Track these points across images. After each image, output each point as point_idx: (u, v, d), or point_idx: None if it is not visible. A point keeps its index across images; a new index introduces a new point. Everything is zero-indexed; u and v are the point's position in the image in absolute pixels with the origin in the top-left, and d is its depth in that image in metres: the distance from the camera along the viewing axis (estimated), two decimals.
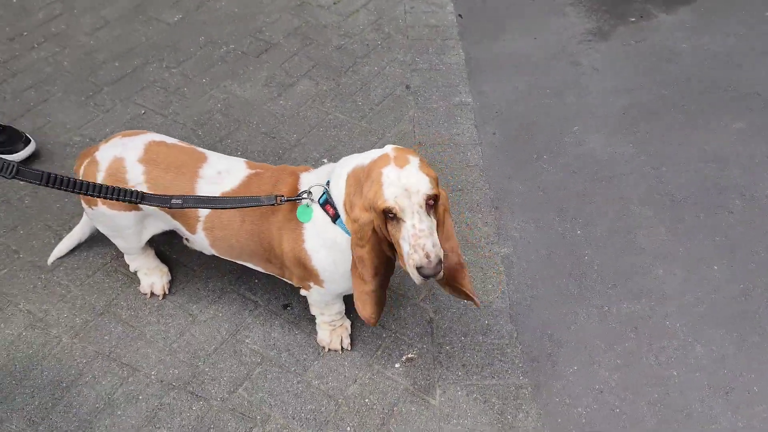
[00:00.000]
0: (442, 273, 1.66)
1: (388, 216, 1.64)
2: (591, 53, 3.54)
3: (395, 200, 1.61)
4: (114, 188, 1.73)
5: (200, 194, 1.94)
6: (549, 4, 3.90)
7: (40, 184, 1.61)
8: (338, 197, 1.79)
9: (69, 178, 1.65)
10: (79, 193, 1.68)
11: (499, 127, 3.11)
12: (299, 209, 1.85)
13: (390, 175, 1.63)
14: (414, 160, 1.66)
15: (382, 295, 1.85)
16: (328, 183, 1.84)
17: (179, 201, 1.80)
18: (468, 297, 1.88)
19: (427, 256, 1.60)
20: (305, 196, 1.83)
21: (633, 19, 3.75)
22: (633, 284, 2.46)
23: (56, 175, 1.63)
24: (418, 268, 1.61)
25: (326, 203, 1.82)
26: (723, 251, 2.57)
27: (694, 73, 3.39)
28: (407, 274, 1.69)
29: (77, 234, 2.42)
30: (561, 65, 3.47)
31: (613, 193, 2.79)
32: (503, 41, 3.63)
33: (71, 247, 2.43)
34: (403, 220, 1.62)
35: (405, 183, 1.62)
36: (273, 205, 1.82)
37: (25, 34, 3.50)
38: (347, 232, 1.79)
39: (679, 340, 2.29)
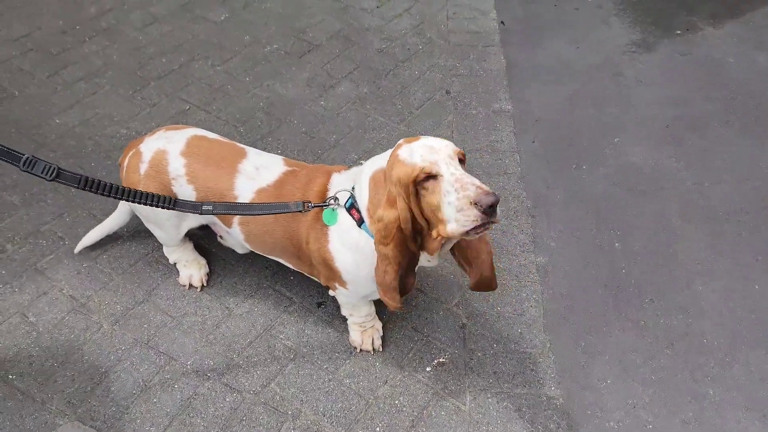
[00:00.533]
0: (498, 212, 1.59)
1: (421, 186, 1.62)
2: (635, 65, 3.50)
3: (423, 160, 1.62)
4: (147, 194, 1.81)
5: (238, 188, 1.99)
6: (593, 14, 3.87)
7: (78, 188, 1.67)
8: (362, 202, 1.82)
9: (106, 183, 1.72)
10: (114, 197, 1.75)
11: (539, 135, 3.09)
12: (325, 212, 1.88)
13: (408, 149, 1.67)
14: (425, 135, 1.73)
15: (407, 283, 1.82)
16: (353, 188, 1.87)
17: (209, 207, 1.87)
18: (485, 275, 1.85)
19: (479, 187, 1.56)
20: (332, 201, 1.86)
21: (679, 32, 3.70)
22: (671, 299, 2.42)
23: (93, 179, 1.69)
24: (476, 203, 1.53)
25: (352, 207, 1.84)
26: (764, 270, 2.52)
27: (740, 87, 3.32)
28: (458, 237, 1.63)
29: (108, 225, 2.44)
30: (604, 76, 3.43)
31: (654, 207, 2.75)
32: (545, 49, 3.61)
33: (100, 238, 2.44)
34: (440, 175, 1.60)
35: (429, 144, 1.66)
36: (300, 211, 1.86)
37: (78, 27, 3.61)
38: (371, 236, 1.80)
39: (716, 358, 2.25)
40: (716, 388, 2.17)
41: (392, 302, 1.79)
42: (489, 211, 1.54)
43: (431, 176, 1.61)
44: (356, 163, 2.87)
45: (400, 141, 1.76)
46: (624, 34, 3.70)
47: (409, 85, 3.32)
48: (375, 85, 3.32)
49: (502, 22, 3.77)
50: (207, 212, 1.88)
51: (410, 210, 1.68)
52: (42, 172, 1.62)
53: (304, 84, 3.31)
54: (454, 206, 1.58)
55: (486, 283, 1.88)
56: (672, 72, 3.44)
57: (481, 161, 2.90)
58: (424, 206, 1.66)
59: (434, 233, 1.68)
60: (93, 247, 2.47)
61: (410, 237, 1.72)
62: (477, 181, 1.59)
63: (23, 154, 1.61)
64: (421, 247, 1.78)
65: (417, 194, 1.66)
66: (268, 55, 3.48)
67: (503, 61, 3.48)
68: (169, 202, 1.84)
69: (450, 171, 1.61)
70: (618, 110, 3.23)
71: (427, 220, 1.69)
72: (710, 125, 3.13)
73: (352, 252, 1.88)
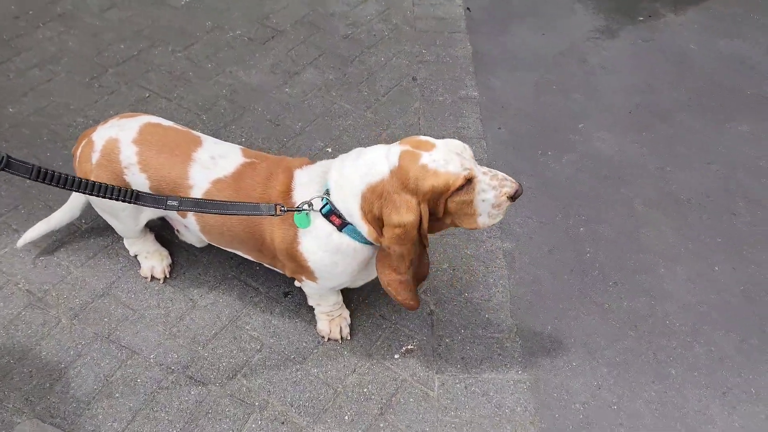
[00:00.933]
0: None
1: (456, 190, 1.69)
2: (599, 51, 3.53)
3: (462, 168, 1.67)
4: (108, 186, 1.66)
5: (192, 177, 1.92)
6: (558, 1, 3.88)
7: (29, 179, 1.52)
8: (349, 211, 1.78)
9: (60, 174, 1.56)
10: (71, 190, 1.61)
11: (505, 121, 3.10)
12: (298, 217, 1.83)
13: (436, 157, 1.68)
14: (428, 138, 1.76)
15: (413, 281, 1.87)
16: (327, 192, 1.82)
17: (175, 203, 1.73)
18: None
19: (512, 180, 1.74)
20: (305, 207, 1.81)
21: (641, 18, 3.74)
22: (635, 282, 2.45)
23: (47, 169, 1.54)
24: (513, 195, 1.73)
25: (330, 213, 1.81)
26: (726, 253, 2.57)
27: (703, 74, 3.38)
28: (482, 228, 1.79)
29: (56, 219, 2.32)
30: (569, 62, 3.45)
31: (618, 192, 2.79)
32: (511, 36, 3.61)
33: (46, 232, 2.32)
34: (476, 177, 1.70)
35: (455, 149, 1.71)
36: (273, 215, 1.78)
37: (31, 12, 3.48)
38: (356, 238, 1.81)
39: (678, 339, 2.29)
40: (678, 368, 2.21)
41: (408, 300, 1.84)
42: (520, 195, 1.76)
43: (468, 180, 1.69)
44: (323, 151, 2.85)
45: (402, 147, 1.72)
46: (588, 20, 3.73)
47: (375, 71, 3.29)
48: (341, 71, 3.28)
49: (468, 9, 3.76)
50: (172, 208, 1.74)
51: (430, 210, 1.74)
52: None
53: (269, 71, 3.25)
54: (491, 203, 1.72)
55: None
56: (636, 59, 3.48)
57: None
58: (452, 205, 1.72)
59: (456, 223, 1.79)
60: (51, 240, 2.40)
61: (426, 234, 1.76)
62: (505, 175, 1.75)
63: None
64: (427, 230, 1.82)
65: (449, 197, 1.71)
66: (231, 41, 3.41)
67: (469, 47, 3.47)
68: (131, 195, 1.69)
69: (481, 171, 1.73)
70: (583, 97, 3.25)
71: (445, 212, 1.75)
72: (674, 111, 3.18)
73: (331, 254, 1.85)
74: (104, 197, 1.67)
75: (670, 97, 3.25)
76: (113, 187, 1.67)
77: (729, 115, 3.14)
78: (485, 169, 1.74)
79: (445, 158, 1.67)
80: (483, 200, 1.72)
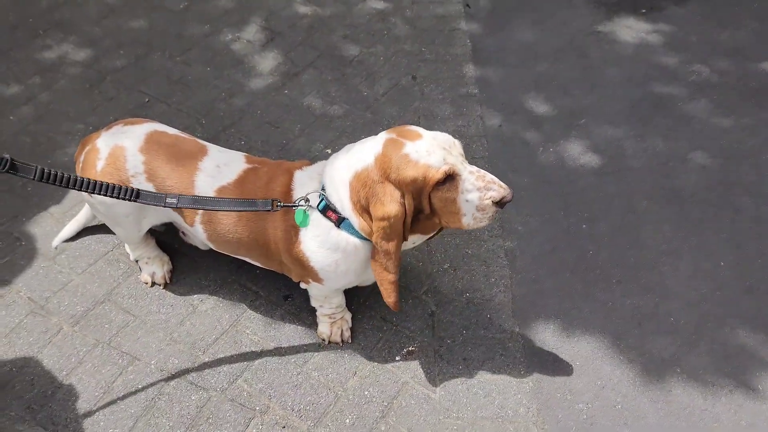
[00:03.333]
0: None
1: (437, 185, 1.64)
2: (600, 45, 3.49)
3: (443, 161, 1.63)
4: (109, 185, 1.69)
5: (198, 186, 1.94)
6: None
7: (33, 180, 1.57)
8: (341, 203, 1.77)
9: (63, 174, 1.61)
10: (74, 188, 1.65)
11: (505, 118, 3.07)
12: (297, 214, 1.83)
13: (419, 148, 1.65)
14: (418, 128, 1.73)
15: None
16: (323, 188, 1.82)
17: (174, 200, 1.77)
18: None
19: (501, 185, 1.66)
20: (302, 203, 1.81)
21: (643, 11, 3.70)
22: (638, 280, 2.43)
23: (51, 170, 1.59)
24: (499, 201, 1.66)
25: (327, 209, 1.80)
26: (729, 248, 2.54)
27: (704, 65, 3.34)
28: (470, 229, 1.74)
29: (83, 218, 2.42)
30: (569, 57, 3.42)
31: (620, 188, 2.76)
32: (511, 32, 3.59)
33: (77, 231, 2.43)
34: (458, 175, 1.65)
35: (441, 143, 1.67)
36: (269, 210, 1.81)
37: (30, 21, 3.49)
38: (355, 234, 1.80)
39: (683, 337, 2.26)
40: (683, 366, 2.18)
41: (392, 299, 1.82)
42: (509, 201, 1.68)
43: (449, 176, 1.64)
44: (323, 153, 2.84)
45: (387, 135, 1.72)
46: (588, 14, 3.69)
47: (374, 71, 3.27)
48: (340, 72, 3.27)
49: (468, 5, 3.73)
50: (171, 205, 1.77)
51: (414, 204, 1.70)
52: None
53: (267, 73, 3.25)
54: (475, 205, 1.67)
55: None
56: (636, 52, 3.44)
57: None
58: (436, 201, 1.69)
59: (443, 223, 1.74)
60: (52, 247, 2.41)
61: (408, 228, 1.73)
62: (495, 179, 1.68)
63: None
64: (413, 230, 1.79)
65: (429, 192, 1.68)
66: (229, 45, 3.40)
67: (469, 44, 3.45)
68: (132, 193, 1.72)
69: (467, 170, 1.67)
70: (583, 92, 3.22)
71: (431, 210, 1.71)
72: (675, 104, 3.14)
73: (332, 252, 1.85)
74: (106, 195, 1.69)
75: (671, 90, 3.22)
76: (114, 186, 1.70)
77: (732, 108, 3.11)
78: (473, 168, 1.69)
79: (428, 150, 1.65)
80: (467, 200, 1.67)
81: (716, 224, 2.62)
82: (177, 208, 1.98)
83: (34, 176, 1.57)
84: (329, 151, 2.84)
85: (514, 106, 3.15)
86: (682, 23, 3.61)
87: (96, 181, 1.68)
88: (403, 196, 1.67)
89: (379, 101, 3.11)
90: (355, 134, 2.93)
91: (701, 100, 3.16)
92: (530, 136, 2.99)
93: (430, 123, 2.98)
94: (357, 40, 3.45)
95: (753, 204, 2.69)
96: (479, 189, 1.66)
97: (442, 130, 2.92)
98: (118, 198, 1.71)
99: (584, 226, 2.61)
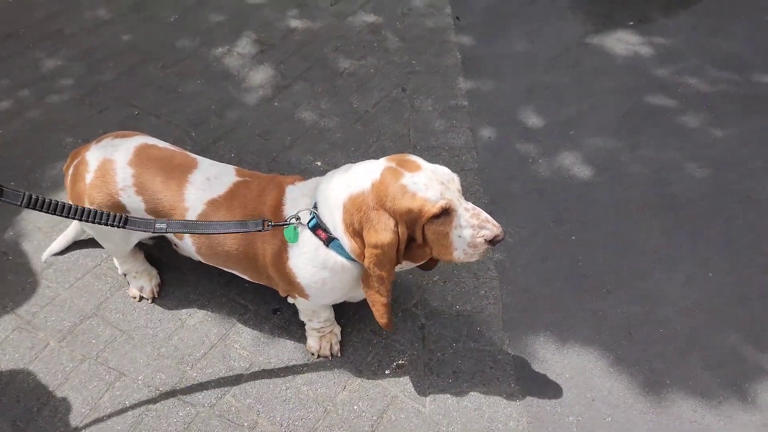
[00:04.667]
0: None
1: (432, 218, 1.65)
2: (590, 56, 3.51)
3: (440, 196, 1.64)
4: (97, 212, 1.67)
5: (188, 199, 1.93)
6: (548, 7, 3.87)
7: (20, 206, 1.55)
8: (334, 223, 1.77)
9: (51, 200, 1.58)
10: (61, 216, 1.62)
11: (496, 130, 3.08)
12: (287, 229, 1.82)
13: (417, 180, 1.66)
14: (418, 158, 1.73)
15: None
16: (315, 206, 1.81)
17: (163, 225, 1.75)
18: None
19: (495, 225, 1.68)
20: (293, 221, 1.80)
21: (632, 23, 3.72)
22: (630, 289, 2.42)
23: (38, 197, 1.57)
24: (491, 240, 1.67)
25: (317, 227, 1.80)
26: (723, 256, 2.54)
27: (694, 75, 3.36)
28: (459, 263, 1.77)
29: (72, 232, 2.41)
30: (560, 67, 3.44)
31: (611, 197, 2.76)
32: (501, 43, 3.60)
33: (66, 245, 2.42)
34: (454, 210, 1.66)
35: (440, 177, 1.67)
36: (260, 231, 1.79)
37: (22, 32, 3.49)
38: (343, 254, 1.80)
39: (674, 346, 2.26)
40: (673, 377, 2.17)
41: (385, 319, 1.84)
42: (502, 239, 1.70)
43: (445, 210, 1.66)
44: (313, 165, 2.83)
45: (387, 163, 1.72)
46: (579, 25, 3.71)
47: (364, 83, 3.28)
48: (330, 83, 3.27)
49: (457, 18, 3.75)
50: (160, 231, 1.75)
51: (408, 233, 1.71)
52: None
53: (258, 85, 3.25)
54: (467, 241, 1.68)
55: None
56: (626, 62, 3.46)
57: (438, 158, 2.87)
58: (429, 233, 1.70)
59: (434, 254, 1.75)
60: (40, 262, 2.40)
61: (402, 255, 1.74)
62: (490, 218, 1.69)
63: None
64: (405, 257, 1.79)
65: (424, 224, 1.68)
66: (221, 56, 3.40)
67: (458, 56, 3.46)
68: (121, 220, 1.70)
69: (464, 207, 1.69)
70: (574, 102, 3.23)
71: (424, 240, 1.72)
72: (666, 114, 3.15)
73: (319, 269, 1.84)
74: (94, 223, 1.67)
75: (662, 100, 3.23)
76: (103, 213, 1.68)
77: (723, 117, 3.12)
78: (469, 205, 1.70)
79: (426, 183, 1.65)
80: (459, 236, 1.68)
81: (709, 232, 2.62)
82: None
83: (21, 202, 1.55)
84: (319, 163, 2.84)
85: (504, 117, 3.15)
86: (672, 34, 3.63)
87: (84, 208, 1.66)
88: (397, 224, 1.68)
89: (369, 113, 3.11)
90: (345, 146, 2.93)
91: (692, 110, 3.17)
92: (520, 147, 2.99)
93: (420, 135, 2.98)
94: (348, 53, 3.46)
95: (745, 212, 2.69)
96: (473, 227, 1.67)
97: (432, 142, 2.96)
98: (106, 225, 1.69)
99: (575, 236, 2.61)
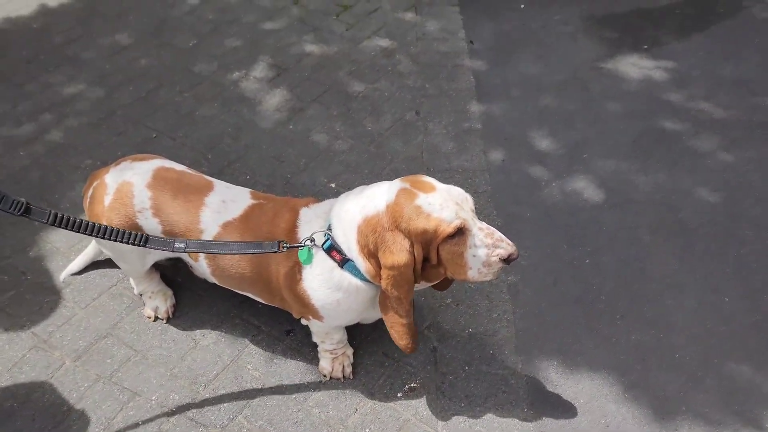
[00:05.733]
0: None
1: (447, 238, 1.67)
2: (602, 80, 3.53)
3: (455, 216, 1.66)
4: (119, 231, 1.72)
5: (204, 221, 1.96)
6: (560, 31, 3.90)
7: (47, 224, 1.62)
8: (348, 245, 1.79)
9: (75, 219, 1.65)
10: (84, 233, 1.68)
11: (508, 152, 3.10)
12: (301, 252, 1.84)
13: (432, 201, 1.68)
14: (431, 179, 1.75)
15: (413, 324, 1.87)
16: (329, 228, 1.83)
17: (182, 245, 1.79)
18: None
19: (509, 244, 1.69)
20: (308, 243, 1.83)
21: (645, 47, 3.74)
22: (642, 314, 2.41)
23: (63, 215, 1.63)
24: (506, 259, 1.69)
25: (331, 249, 1.81)
26: (735, 282, 2.52)
27: (707, 100, 3.36)
28: (473, 284, 1.78)
29: (91, 252, 2.45)
30: (571, 91, 3.46)
31: (623, 221, 2.76)
32: (514, 67, 3.63)
33: (85, 265, 2.46)
34: (469, 230, 1.68)
35: (454, 197, 1.70)
36: (275, 252, 1.81)
37: (42, 57, 3.57)
38: (358, 276, 1.81)
39: (687, 373, 2.23)
40: (688, 403, 2.15)
41: (404, 341, 1.85)
42: (516, 258, 1.71)
43: (459, 230, 1.67)
44: (327, 187, 2.86)
45: (401, 184, 1.74)
46: (591, 49, 3.74)
47: (378, 106, 3.32)
48: (345, 107, 3.31)
49: (471, 42, 3.79)
50: (179, 250, 1.79)
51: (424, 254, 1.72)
52: (10, 208, 1.57)
53: (273, 108, 3.30)
54: (482, 261, 1.69)
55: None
56: (638, 86, 3.48)
57: (451, 180, 2.88)
58: (444, 253, 1.71)
59: (448, 273, 1.77)
60: (58, 281, 2.43)
61: (419, 274, 1.75)
62: (504, 237, 1.71)
63: None
64: (421, 276, 1.80)
65: (438, 245, 1.70)
66: (237, 80, 3.47)
67: (472, 80, 3.49)
68: (141, 239, 1.75)
69: (478, 227, 1.70)
70: (586, 126, 3.24)
71: (438, 260, 1.73)
72: (678, 138, 3.16)
73: (334, 291, 1.86)
74: (116, 241, 1.72)
75: (673, 124, 3.24)
76: (124, 231, 1.73)
77: (734, 141, 3.12)
78: (483, 225, 1.71)
79: (441, 204, 1.67)
80: (474, 255, 1.70)
81: (721, 258, 2.61)
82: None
83: (47, 220, 1.61)
84: (333, 185, 2.87)
85: (516, 140, 3.17)
86: (684, 58, 3.65)
87: (107, 227, 1.72)
88: (412, 245, 1.69)
89: (383, 136, 3.15)
90: (359, 168, 2.96)
91: (704, 134, 3.17)
92: (533, 170, 3.01)
93: (433, 158, 3.01)
94: (362, 76, 3.50)
95: (758, 237, 2.68)
96: (487, 246, 1.68)
97: (444, 165, 2.99)
98: (127, 243, 1.74)
99: (588, 260, 2.61)
